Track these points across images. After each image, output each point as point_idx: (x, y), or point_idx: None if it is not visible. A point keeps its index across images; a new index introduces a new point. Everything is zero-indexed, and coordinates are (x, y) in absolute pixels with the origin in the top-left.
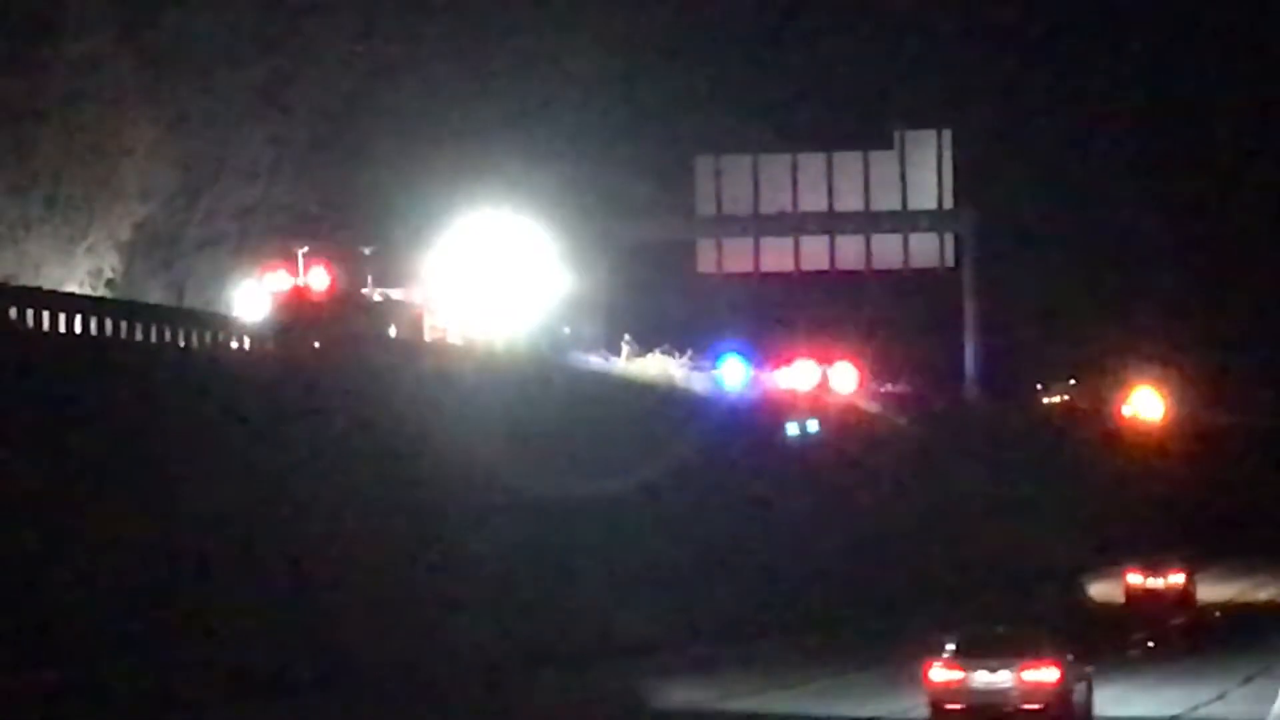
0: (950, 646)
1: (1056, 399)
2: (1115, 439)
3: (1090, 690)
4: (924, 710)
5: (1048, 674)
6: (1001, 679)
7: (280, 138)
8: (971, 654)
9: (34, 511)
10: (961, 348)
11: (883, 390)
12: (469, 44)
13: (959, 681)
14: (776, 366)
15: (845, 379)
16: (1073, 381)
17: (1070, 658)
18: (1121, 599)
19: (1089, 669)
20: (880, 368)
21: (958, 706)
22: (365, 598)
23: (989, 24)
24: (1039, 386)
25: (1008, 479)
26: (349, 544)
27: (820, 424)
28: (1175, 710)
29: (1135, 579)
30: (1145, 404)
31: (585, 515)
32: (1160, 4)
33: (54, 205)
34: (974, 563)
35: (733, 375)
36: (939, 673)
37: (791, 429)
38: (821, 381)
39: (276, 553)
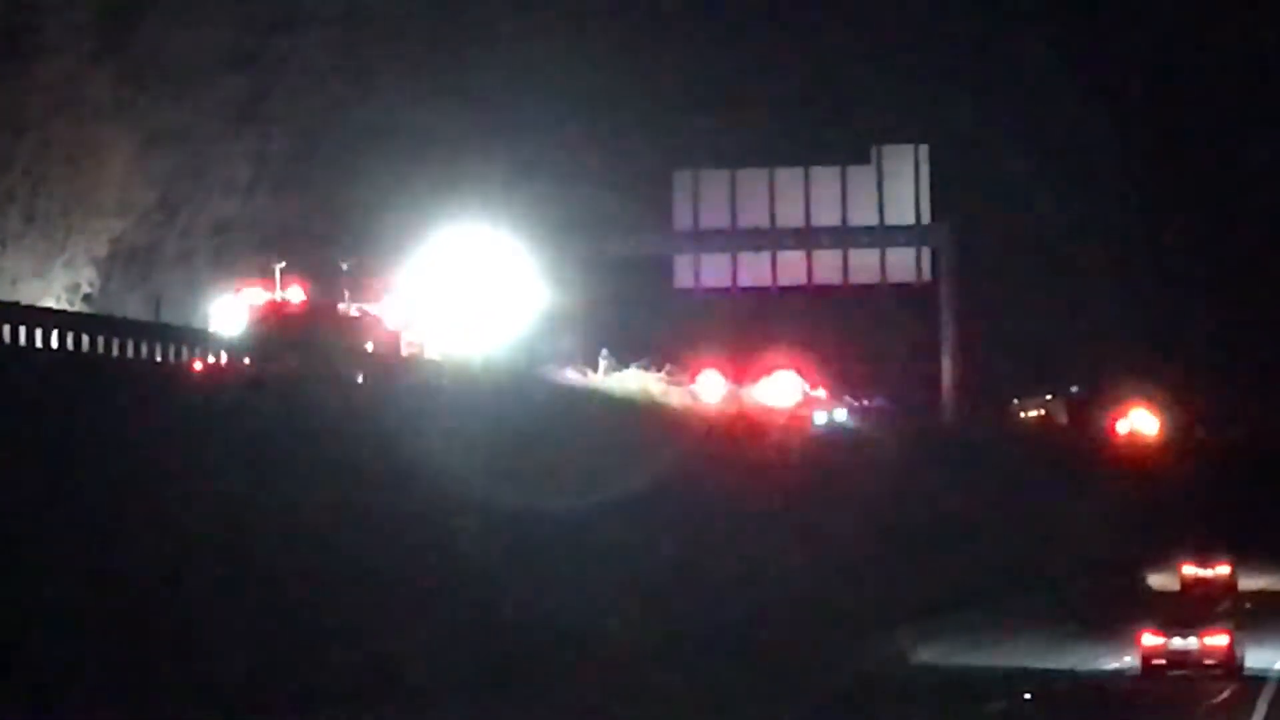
0: (1152, 623)
1: (1034, 413)
2: (1112, 451)
3: (1244, 650)
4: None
5: (1221, 639)
6: (1190, 643)
7: (258, 153)
8: (1169, 626)
9: (9, 527)
10: (938, 361)
11: (859, 404)
12: (447, 59)
13: (1161, 646)
14: (754, 381)
15: (820, 393)
16: (1050, 396)
17: (1234, 628)
18: (1177, 586)
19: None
20: (857, 382)
21: (1161, 662)
22: (342, 613)
23: (965, 39)
24: (1015, 400)
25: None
26: (326, 559)
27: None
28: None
29: (1190, 570)
30: (1142, 420)
31: (562, 530)
32: (1138, 16)
33: (31, 220)
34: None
35: (710, 390)
36: (1148, 638)
37: (819, 418)
38: (800, 396)
39: (253, 568)
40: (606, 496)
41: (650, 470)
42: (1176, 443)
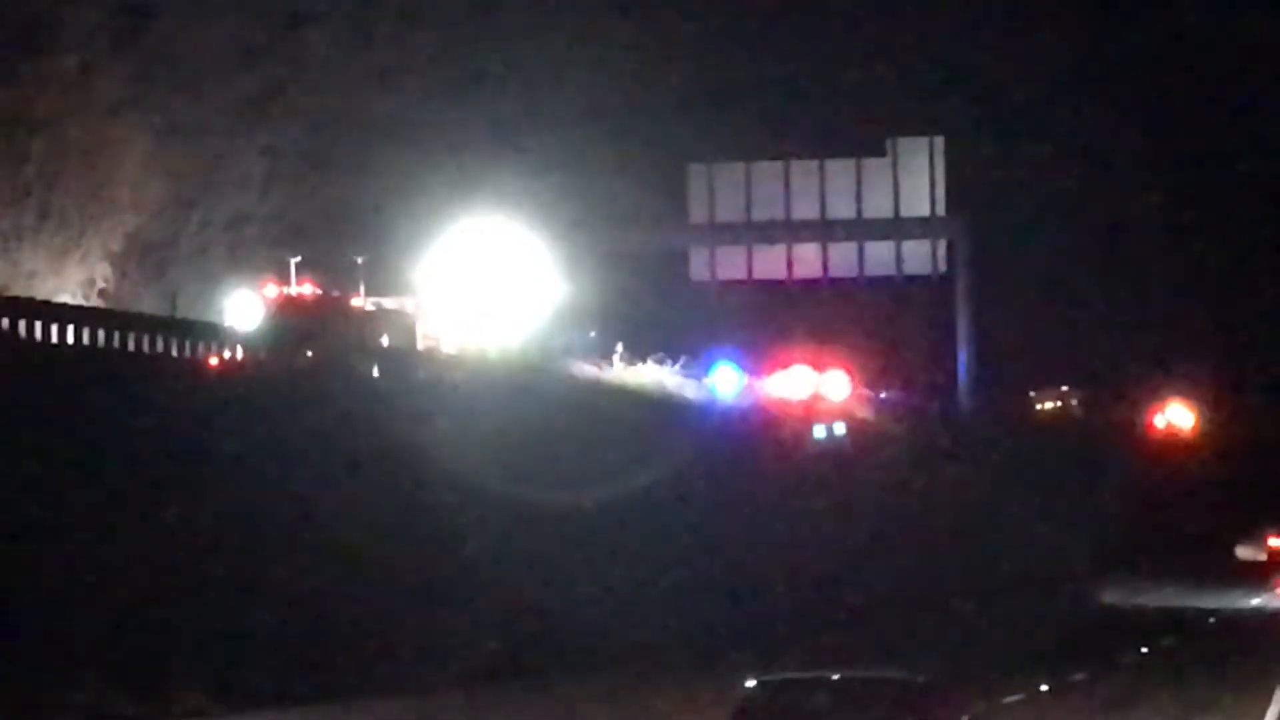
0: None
1: (1049, 405)
2: (1147, 444)
3: None
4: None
5: None
6: None
7: (273, 148)
8: None
9: (27, 520)
10: (954, 354)
11: (876, 397)
12: (462, 53)
13: None
14: (769, 374)
15: (838, 386)
16: (1065, 388)
17: None
18: (1264, 556)
19: None
20: (873, 374)
21: None
22: (358, 605)
23: (981, 31)
24: (1031, 393)
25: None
26: (342, 551)
27: (845, 427)
28: None
29: (1275, 541)
30: (1177, 415)
31: (577, 523)
32: (1156, 10)
33: (47, 216)
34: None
35: (726, 383)
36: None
37: (819, 431)
38: (815, 389)
39: (269, 560)
40: (622, 490)
41: (666, 463)
42: (1214, 434)
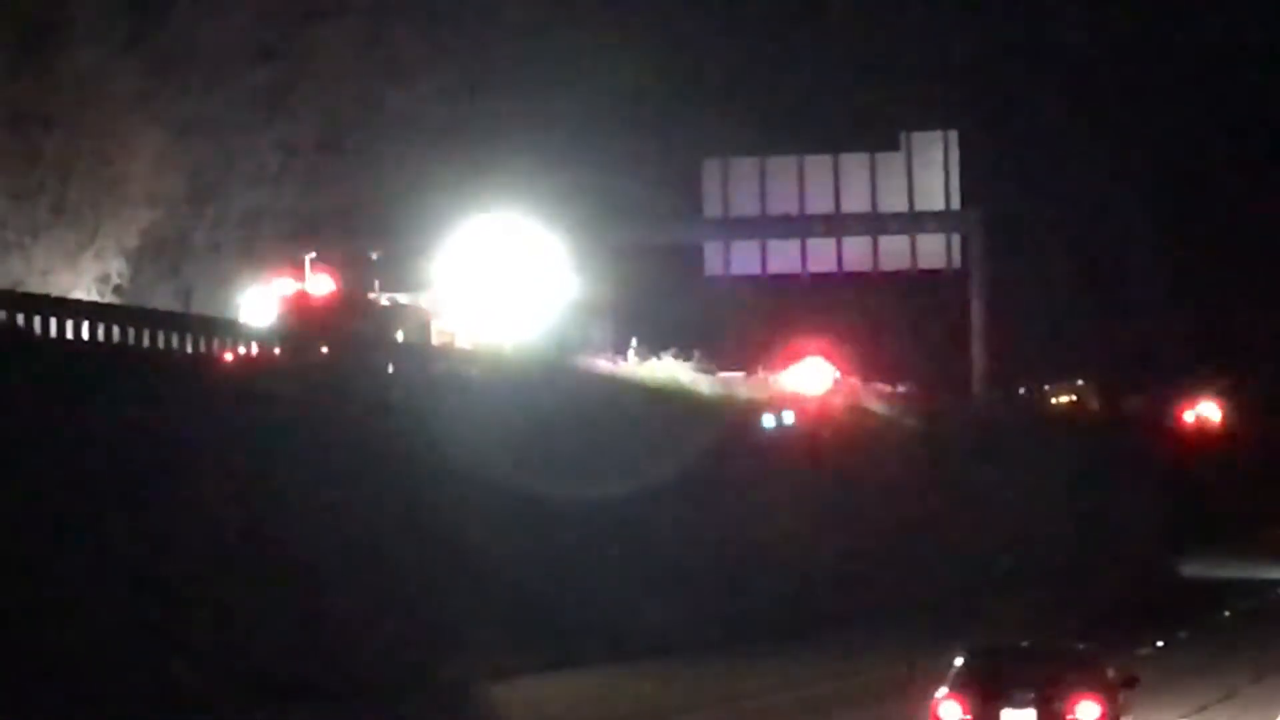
0: None
1: (1064, 398)
2: (1180, 436)
3: None
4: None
5: None
6: None
7: (287, 143)
8: None
9: (42, 517)
10: (968, 348)
11: (891, 391)
12: (475, 48)
13: None
14: (783, 368)
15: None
16: (1080, 382)
17: None
18: None
19: None
20: (888, 368)
21: None
22: (373, 601)
23: (995, 25)
24: (1046, 386)
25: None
26: (357, 548)
27: (798, 417)
28: None
29: None
30: (1208, 409)
31: (594, 518)
32: (1168, 3)
33: (61, 212)
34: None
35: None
36: None
37: (767, 420)
38: (831, 383)
39: (284, 558)
40: (637, 485)
41: (681, 458)
42: (1241, 426)
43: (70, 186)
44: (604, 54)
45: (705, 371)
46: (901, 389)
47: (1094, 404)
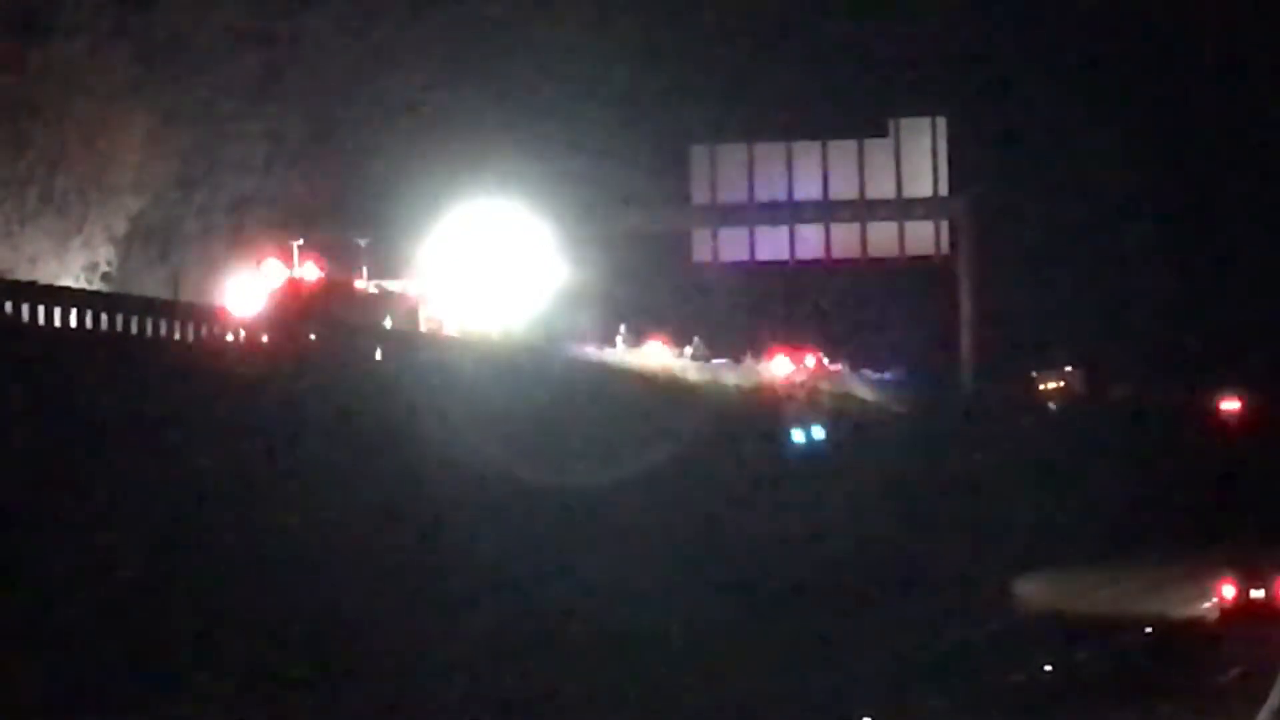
0: None
1: (1052, 385)
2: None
3: None
4: None
5: None
6: None
7: (275, 130)
8: None
9: (30, 505)
10: (957, 334)
11: (878, 377)
12: (464, 35)
13: None
14: (770, 356)
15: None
16: (1069, 368)
17: None
18: None
19: None
20: (876, 355)
21: None
22: (361, 589)
23: (983, 10)
24: (1034, 373)
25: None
26: (345, 535)
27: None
28: None
29: None
30: (1229, 399)
31: (582, 504)
32: None
33: (49, 199)
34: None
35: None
36: None
37: (797, 435)
38: (816, 369)
39: (271, 544)
40: (626, 471)
41: (669, 444)
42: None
43: (58, 174)
44: (592, 41)
45: (701, 358)
46: (889, 375)
47: (1083, 390)
